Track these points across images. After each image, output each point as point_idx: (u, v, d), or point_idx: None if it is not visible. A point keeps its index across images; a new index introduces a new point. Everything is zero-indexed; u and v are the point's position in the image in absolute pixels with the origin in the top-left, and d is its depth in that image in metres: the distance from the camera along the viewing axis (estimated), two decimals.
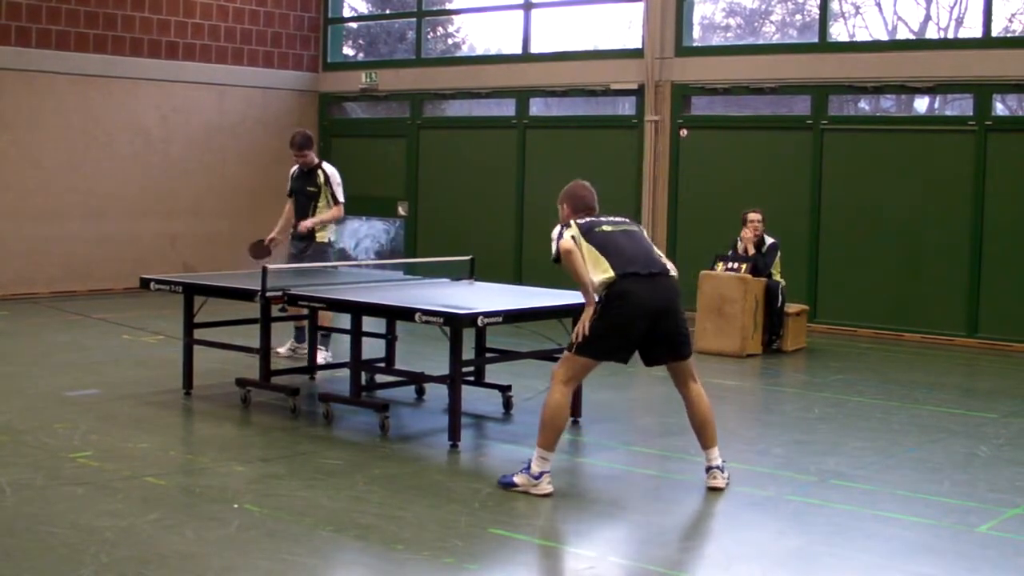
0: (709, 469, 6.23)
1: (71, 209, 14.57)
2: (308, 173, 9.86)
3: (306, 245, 9.80)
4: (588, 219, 6.21)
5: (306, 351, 9.23)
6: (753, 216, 11.37)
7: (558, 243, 6.05)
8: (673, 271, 6.21)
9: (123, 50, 14.88)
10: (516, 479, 6.04)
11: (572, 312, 7.42)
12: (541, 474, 5.99)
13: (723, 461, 6.27)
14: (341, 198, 9.83)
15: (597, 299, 6.02)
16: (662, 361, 6.19)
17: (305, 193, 9.84)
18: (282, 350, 9.82)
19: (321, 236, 9.82)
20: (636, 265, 5.99)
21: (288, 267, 9.09)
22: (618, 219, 6.34)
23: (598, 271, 5.99)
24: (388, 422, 7.35)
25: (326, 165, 9.98)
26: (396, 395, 8.37)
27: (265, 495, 5.90)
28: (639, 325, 5.98)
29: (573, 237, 6.05)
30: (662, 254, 6.30)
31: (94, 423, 7.41)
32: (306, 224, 9.73)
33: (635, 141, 14.15)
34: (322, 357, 9.30)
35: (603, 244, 6.05)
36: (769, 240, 11.38)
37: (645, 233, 6.41)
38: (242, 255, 14.97)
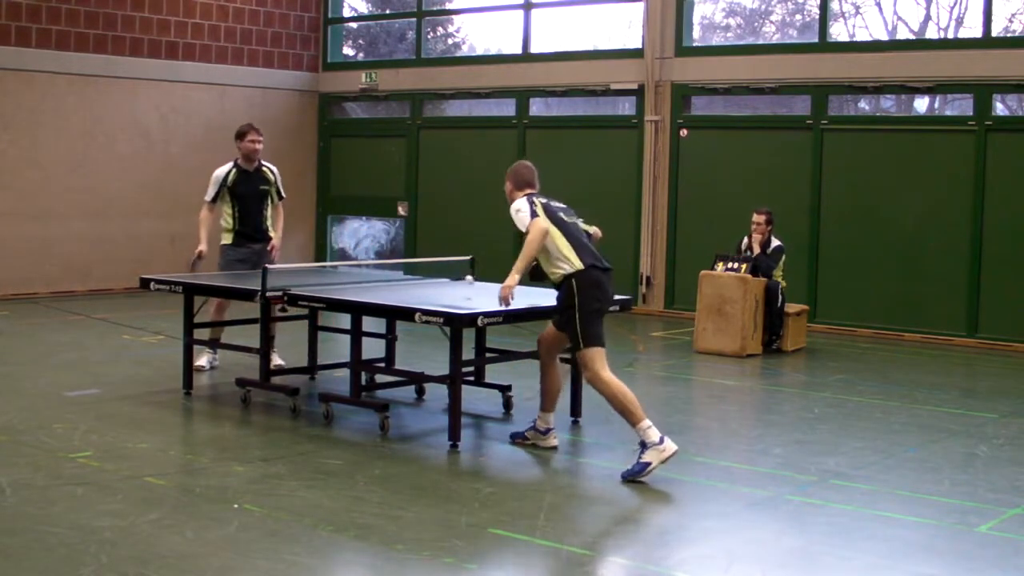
0: (549, 431, 6.98)
1: (71, 209, 14.57)
2: (255, 173, 9.35)
3: (265, 244, 9.33)
4: (544, 200, 6.77)
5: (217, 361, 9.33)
6: (755, 218, 11.35)
7: (532, 220, 6.55)
8: None
9: (123, 50, 14.88)
10: (646, 457, 6.25)
11: None
12: (662, 438, 6.30)
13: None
14: (284, 193, 9.52)
15: (566, 286, 6.55)
16: (566, 330, 6.70)
17: (258, 194, 9.32)
18: (202, 362, 9.19)
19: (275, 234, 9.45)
20: (596, 259, 6.65)
21: (288, 267, 9.08)
22: (564, 205, 6.88)
23: (565, 256, 6.56)
24: (388, 422, 7.36)
25: (265, 162, 9.52)
26: (396, 395, 8.37)
27: (265, 495, 5.90)
28: (606, 309, 6.76)
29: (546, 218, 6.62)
30: None
31: (94, 423, 7.41)
32: (277, 247, 9.32)
33: (635, 141, 14.15)
34: (206, 360, 9.23)
35: (568, 233, 6.65)
36: (775, 242, 11.38)
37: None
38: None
